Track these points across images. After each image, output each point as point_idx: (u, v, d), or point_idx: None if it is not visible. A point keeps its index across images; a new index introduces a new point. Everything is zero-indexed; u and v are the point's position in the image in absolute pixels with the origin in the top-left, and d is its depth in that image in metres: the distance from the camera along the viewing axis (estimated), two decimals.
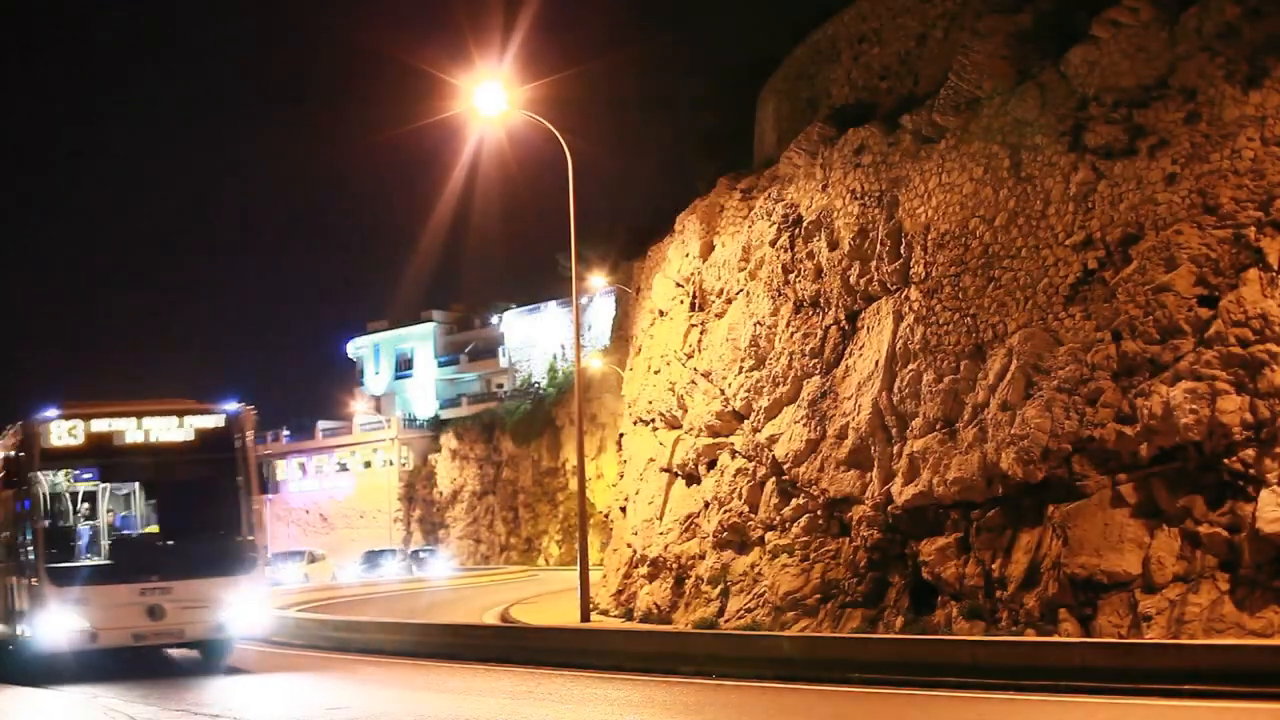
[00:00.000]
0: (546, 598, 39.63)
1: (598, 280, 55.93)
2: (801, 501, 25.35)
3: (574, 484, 55.00)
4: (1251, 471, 17.22)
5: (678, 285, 32.78)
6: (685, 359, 31.40)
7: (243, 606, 19.85)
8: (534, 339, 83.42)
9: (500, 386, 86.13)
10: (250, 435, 20.43)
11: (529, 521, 76.51)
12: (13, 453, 20.14)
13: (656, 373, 33.12)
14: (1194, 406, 17.70)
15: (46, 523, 19.47)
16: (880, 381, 23.34)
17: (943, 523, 21.63)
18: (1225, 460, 17.51)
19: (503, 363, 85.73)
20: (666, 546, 30.09)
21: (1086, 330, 19.51)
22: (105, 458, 19.79)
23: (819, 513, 24.85)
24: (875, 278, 24.04)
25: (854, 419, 23.97)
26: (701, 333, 30.98)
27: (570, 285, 31.95)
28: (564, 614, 30.20)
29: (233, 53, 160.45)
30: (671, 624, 27.96)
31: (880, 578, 22.99)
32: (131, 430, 19.74)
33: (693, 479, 29.95)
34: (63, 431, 19.40)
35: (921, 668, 15.89)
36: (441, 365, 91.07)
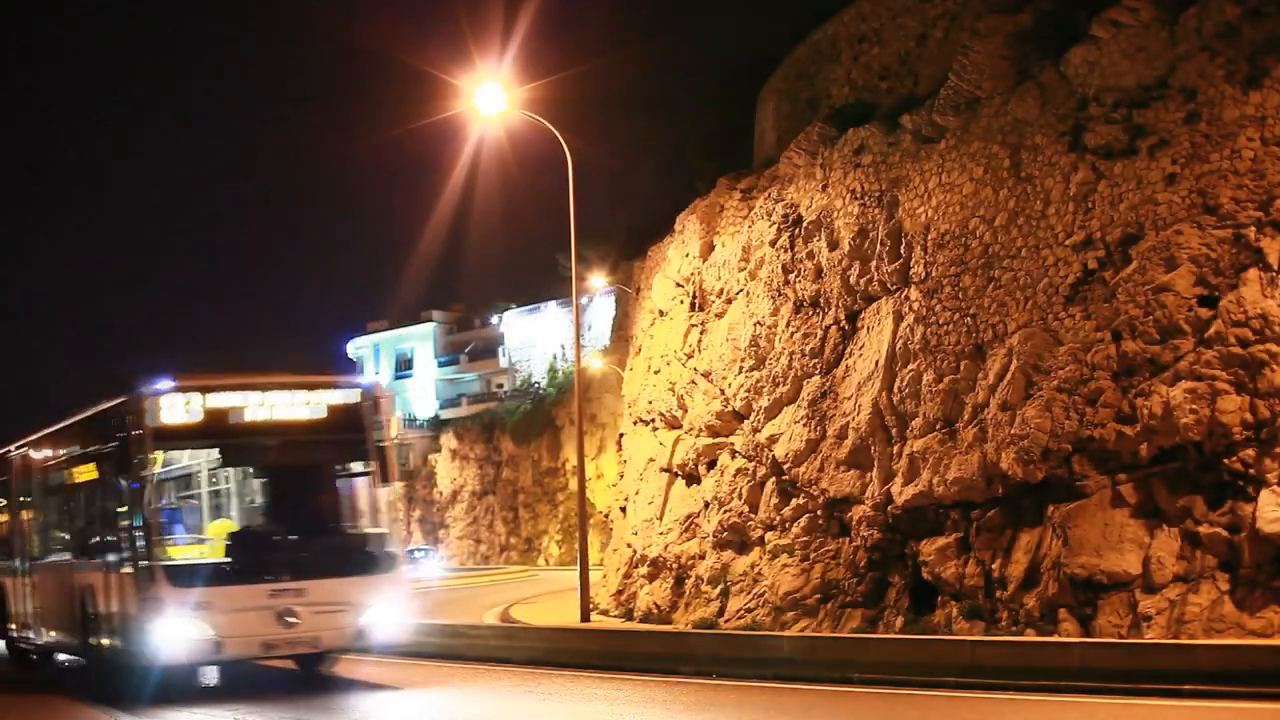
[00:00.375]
0: (546, 598, 39.63)
1: (598, 280, 55.92)
2: (801, 501, 25.35)
3: (574, 484, 55.01)
4: (1251, 471, 17.22)
5: (678, 285, 32.78)
6: (685, 359, 31.40)
7: (383, 610, 17.09)
8: (534, 339, 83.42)
9: (500, 386, 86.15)
10: (387, 413, 17.88)
11: (529, 521, 76.49)
12: (118, 430, 17.09)
13: (656, 373, 33.12)
14: (1194, 406, 17.70)
15: (160, 512, 16.71)
16: (880, 381, 23.34)
17: (943, 523, 21.63)
18: (1225, 460, 17.50)
19: (503, 363, 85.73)
20: (666, 546, 30.09)
21: (1086, 330, 19.51)
22: (225, 437, 16.87)
23: (819, 513, 24.85)
24: (875, 278, 24.04)
25: (854, 419, 23.97)
26: (701, 333, 30.98)
27: (570, 285, 31.95)
28: (564, 614, 30.20)
29: (232, 53, 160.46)
30: (671, 624, 27.95)
31: (880, 578, 22.99)
32: (255, 406, 16.87)
33: (693, 479, 29.95)
34: (179, 406, 16.40)
35: (921, 668, 15.89)
36: (441, 365, 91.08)
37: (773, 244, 27.64)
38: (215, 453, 17.59)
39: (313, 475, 18.20)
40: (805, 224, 26.47)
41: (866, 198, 24.54)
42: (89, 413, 18.67)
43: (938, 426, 21.85)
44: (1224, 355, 17.74)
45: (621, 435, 37.10)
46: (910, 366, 22.70)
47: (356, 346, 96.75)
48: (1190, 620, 17.10)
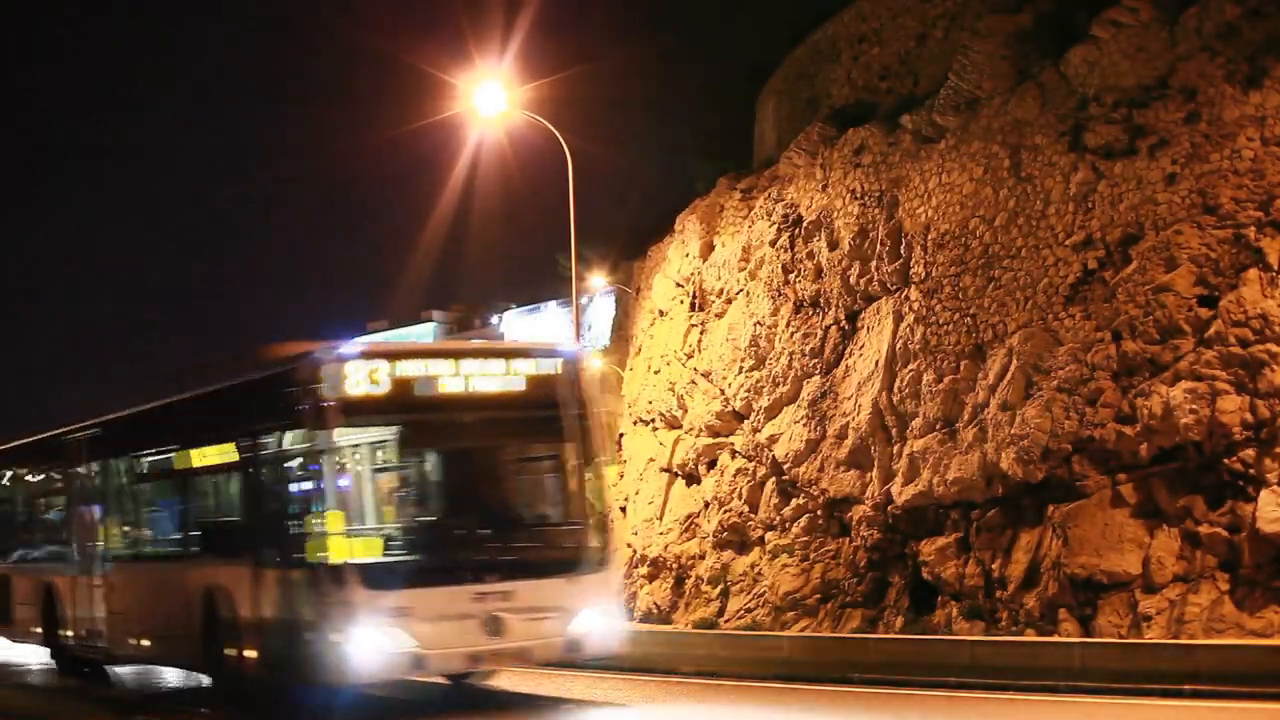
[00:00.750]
0: None
1: (598, 280, 55.85)
2: (801, 501, 25.34)
3: None
4: (1251, 471, 17.22)
5: (678, 285, 32.76)
6: (685, 359, 31.38)
7: (595, 616, 14.56)
8: (534, 339, 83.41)
9: None
10: (590, 385, 15.39)
11: None
12: (288, 403, 14.23)
13: (656, 373, 33.10)
14: (1194, 406, 17.69)
15: (347, 499, 13.94)
16: (880, 381, 23.34)
17: (943, 523, 21.62)
18: (1225, 460, 17.50)
19: None
20: (666, 546, 30.07)
21: (1086, 330, 19.51)
22: (415, 412, 14.29)
23: (819, 513, 24.84)
24: (875, 278, 24.04)
25: (854, 419, 23.96)
26: (701, 333, 30.96)
27: (570, 285, 31.94)
28: None
29: (233, 53, 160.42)
30: (671, 624, 27.94)
31: (880, 578, 22.98)
32: (448, 377, 14.31)
33: (693, 479, 29.93)
34: (364, 374, 13.76)
35: (921, 668, 15.90)
36: None
37: (773, 244, 27.64)
38: (396, 430, 14.69)
39: (508, 457, 15.95)
40: (805, 224, 26.47)
41: (866, 198, 24.54)
42: (233, 383, 15.93)
43: (938, 426, 21.85)
44: (1224, 355, 17.74)
45: (621, 435, 37.09)
46: (910, 366, 22.70)
47: None
48: (1190, 620, 17.10)
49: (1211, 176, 18.43)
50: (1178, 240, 18.50)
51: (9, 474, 24.78)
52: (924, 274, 22.53)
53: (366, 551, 13.76)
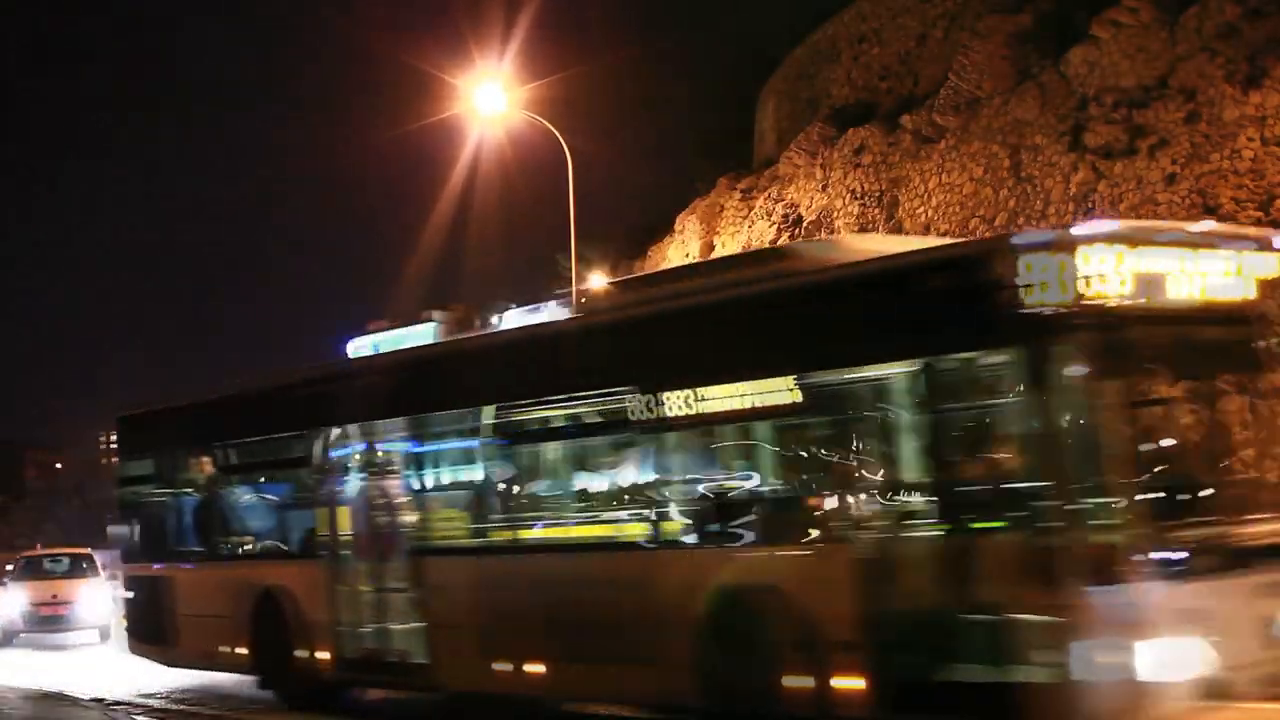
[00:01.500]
0: None
1: (598, 280, 55.85)
2: None
3: None
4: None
5: None
6: None
7: None
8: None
9: None
10: None
11: None
12: (969, 309, 9.53)
13: None
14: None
15: (1109, 453, 9.38)
16: None
17: None
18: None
19: None
20: None
21: None
22: (1163, 324, 9.88)
23: None
24: None
25: None
26: None
27: (570, 285, 31.94)
28: None
29: (232, 53, 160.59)
30: None
31: None
32: (1181, 275, 9.71)
33: None
34: (1105, 268, 9.09)
35: None
36: None
37: (773, 244, 27.67)
38: (1142, 351, 10.04)
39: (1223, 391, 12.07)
40: (805, 224, 26.49)
41: (866, 198, 24.56)
42: (797, 287, 10.67)
43: None
44: None
45: None
46: None
47: (356, 347, 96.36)
48: None
49: (1211, 176, 18.43)
50: None
51: (164, 446, 18.34)
52: None
53: (1148, 530, 9.43)
